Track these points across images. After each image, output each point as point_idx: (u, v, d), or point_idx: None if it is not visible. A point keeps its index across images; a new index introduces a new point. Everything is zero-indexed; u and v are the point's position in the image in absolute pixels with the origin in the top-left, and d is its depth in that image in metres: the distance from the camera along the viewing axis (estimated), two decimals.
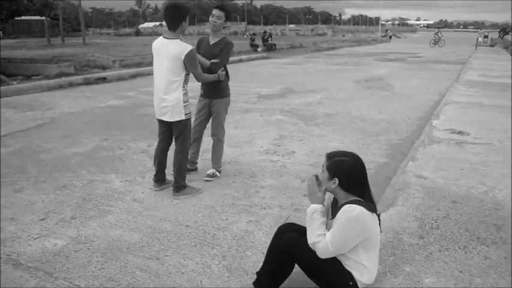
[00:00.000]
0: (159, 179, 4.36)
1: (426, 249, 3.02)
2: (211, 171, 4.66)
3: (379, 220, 2.43)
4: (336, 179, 2.34)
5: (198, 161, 4.91)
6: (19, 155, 5.57)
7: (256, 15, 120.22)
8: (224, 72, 4.45)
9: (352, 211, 2.26)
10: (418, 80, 13.37)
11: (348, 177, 2.35)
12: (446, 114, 7.61)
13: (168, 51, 3.79)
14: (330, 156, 2.41)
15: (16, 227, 3.59)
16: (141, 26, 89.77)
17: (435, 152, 5.28)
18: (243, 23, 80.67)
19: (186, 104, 3.95)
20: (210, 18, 4.37)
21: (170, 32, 3.84)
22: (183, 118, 3.95)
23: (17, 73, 14.24)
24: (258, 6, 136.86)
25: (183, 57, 3.75)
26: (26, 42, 37.13)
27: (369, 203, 2.34)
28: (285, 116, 7.84)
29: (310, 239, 2.34)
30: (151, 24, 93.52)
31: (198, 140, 4.81)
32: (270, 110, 8.39)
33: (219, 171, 4.71)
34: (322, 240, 2.30)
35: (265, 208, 3.88)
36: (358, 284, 2.36)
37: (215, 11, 4.33)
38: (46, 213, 3.83)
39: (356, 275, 2.36)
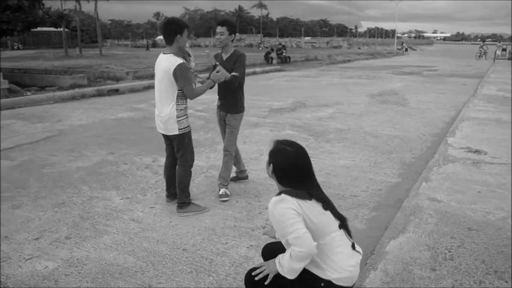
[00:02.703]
0: (171, 193, 4.30)
1: (438, 283, 2.78)
2: (223, 191, 4.50)
3: (331, 210, 2.17)
4: (272, 165, 2.23)
5: (244, 168, 5.08)
6: (23, 169, 5.50)
7: (272, 28, 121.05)
8: (236, 76, 4.32)
9: (270, 204, 2.12)
10: (434, 94, 13.07)
11: (281, 167, 2.20)
12: (463, 131, 7.33)
13: (161, 66, 3.83)
14: (276, 142, 2.31)
15: (9, 246, 3.46)
16: (158, 37, 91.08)
17: (450, 173, 5.03)
18: (259, 35, 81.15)
19: (180, 118, 3.87)
20: (215, 36, 4.37)
21: (167, 47, 3.86)
22: (177, 133, 3.90)
23: (32, 84, 14.43)
24: (275, 19, 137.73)
25: (171, 72, 3.71)
26: (45, 53, 37.85)
27: (300, 191, 2.12)
28: (295, 131, 7.66)
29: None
30: None
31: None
32: (281, 125, 8.22)
33: (227, 186, 4.58)
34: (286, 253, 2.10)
35: None
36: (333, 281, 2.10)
37: (218, 28, 4.33)
38: (41, 232, 3.71)
39: (318, 272, 2.13)
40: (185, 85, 3.76)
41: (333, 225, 2.17)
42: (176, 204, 4.13)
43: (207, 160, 5.86)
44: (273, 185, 4.88)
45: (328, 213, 2.16)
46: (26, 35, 47.84)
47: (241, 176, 5.02)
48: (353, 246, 2.22)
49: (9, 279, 3.00)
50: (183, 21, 3.97)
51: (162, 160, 5.80)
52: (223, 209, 4.18)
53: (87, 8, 52.01)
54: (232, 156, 4.58)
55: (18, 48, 50.50)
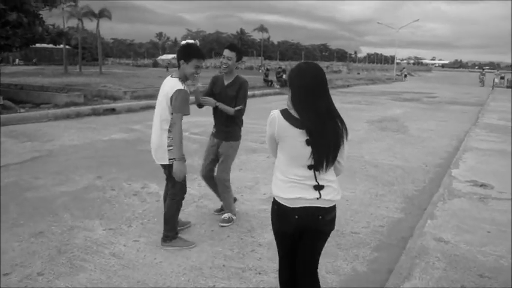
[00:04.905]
0: None
1: None
2: (226, 215, 4.31)
3: (317, 150, 2.13)
4: (288, 79, 2.22)
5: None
6: (4, 192, 5.19)
7: (273, 51, 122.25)
8: (240, 111, 4.13)
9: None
10: (434, 121, 12.88)
11: (291, 79, 2.19)
12: (467, 162, 7.07)
13: (164, 89, 3.62)
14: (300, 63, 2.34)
15: None
16: (159, 57, 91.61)
17: (456, 209, 4.74)
18: (260, 57, 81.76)
19: (170, 148, 3.60)
20: (222, 60, 4.13)
21: (176, 71, 3.68)
22: (166, 163, 3.64)
23: (27, 100, 14.19)
24: (276, 42, 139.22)
25: (170, 96, 3.49)
26: (45, 69, 37.86)
27: (296, 118, 2.13)
28: None
29: None
30: (169, 56, 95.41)
31: (209, 180, 4.45)
32: None
33: (234, 214, 4.42)
34: None
35: (260, 273, 3.37)
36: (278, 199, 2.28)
37: (226, 52, 4.07)
38: (12, 267, 3.38)
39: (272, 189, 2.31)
40: (176, 112, 3.51)
41: (303, 161, 2.17)
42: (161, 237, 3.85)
43: (199, 188, 5.55)
44: (268, 217, 4.58)
45: (308, 149, 2.13)
46: (28, 51, 48.04)
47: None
48: (316, 188, 2.19)
49: None
50: (195, 50, 3.64)
51: (152, 187, 5.54)
52: (213, 245, 3.87)
53: (91, 26, 52.44)
54: (227, 186, 4.31)
55: (19, 64, 50.69)
